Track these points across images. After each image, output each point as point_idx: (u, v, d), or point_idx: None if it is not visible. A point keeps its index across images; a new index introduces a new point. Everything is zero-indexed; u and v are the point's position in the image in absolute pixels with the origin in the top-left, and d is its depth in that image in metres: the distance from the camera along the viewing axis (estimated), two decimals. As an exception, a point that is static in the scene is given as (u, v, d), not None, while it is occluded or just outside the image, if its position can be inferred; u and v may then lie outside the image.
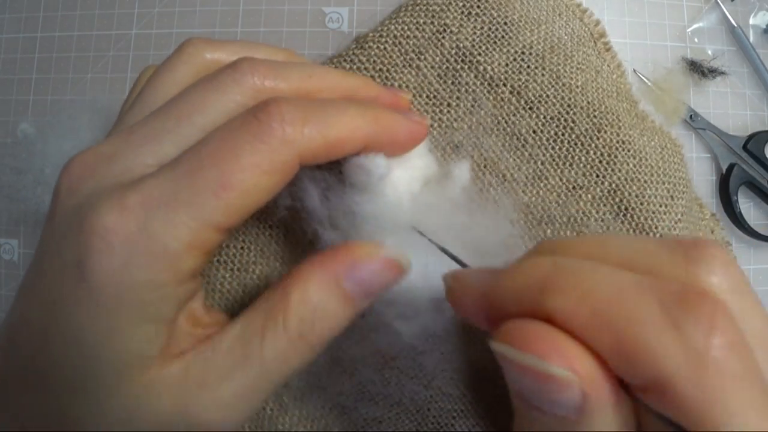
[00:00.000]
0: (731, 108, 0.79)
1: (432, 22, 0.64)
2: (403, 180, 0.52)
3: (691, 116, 0.77)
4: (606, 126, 0.62)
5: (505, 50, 0.64)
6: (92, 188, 0.44)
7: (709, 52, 0.79)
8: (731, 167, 0.76)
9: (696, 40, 0.79)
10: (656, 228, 0.61)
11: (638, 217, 0.61)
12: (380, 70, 0.63)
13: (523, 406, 0.37)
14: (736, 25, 0.79)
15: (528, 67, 0.63)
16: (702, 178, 0.78)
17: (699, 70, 0.78)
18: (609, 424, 0.34)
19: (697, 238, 0.43)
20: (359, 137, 0.48)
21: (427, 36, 0.64)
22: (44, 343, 0.43)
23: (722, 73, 0.78)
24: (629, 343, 0.32)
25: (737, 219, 0.75)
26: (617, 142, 0.62)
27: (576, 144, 0.62)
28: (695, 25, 0.79)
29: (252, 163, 0.42)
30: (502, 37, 0.64)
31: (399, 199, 0.52)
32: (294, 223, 0.60)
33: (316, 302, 0.46)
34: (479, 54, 0.63)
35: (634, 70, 0.77)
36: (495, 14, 0.64)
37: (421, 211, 0.53)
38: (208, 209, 0.42)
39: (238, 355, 0.45)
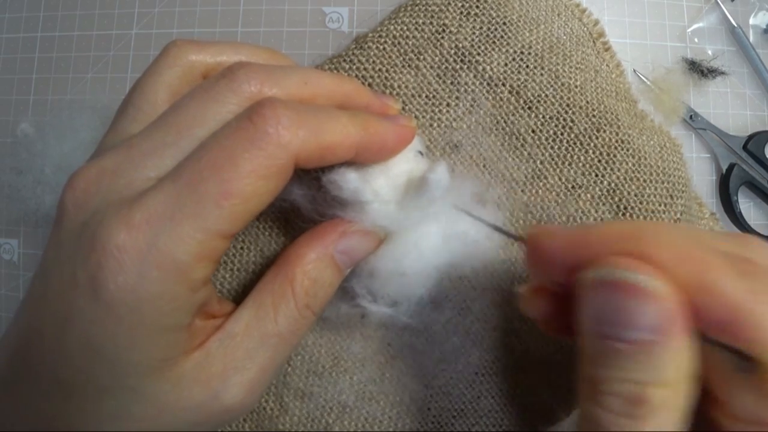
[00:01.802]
0: (731, 108, 0.79)
1: (431, 23, 0.64)
2: (386, 187, 0.52)
3: (691, 116, 0.77)
4: (605, 125, 0.62)
5: (504, 50, 0.64)
6: (98, 204, 0.44)
7: (709, 52, 0.79)
8: (731, 167, 0.76)
9: (696, 40, 0.79)
10: (655, 227, 0.61)
11: (637, 216, 0.61)
12: (379, 70, 0.63)
13: (595, 342, 0.40)
14: (736, 25, 0.79)
15: (527, 66, 0.63)
16: (702, 178, 0.78)
17: (699, 70, 0.78)
18: (682, 359, 0.38)
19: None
20: (350, 143, 0.48)
21: (426, 36, 0.64)
22: (62, 354, 0.44)
23: (722, 73, 0.78)
24: (705, 281, 0.37)
25: (737, 219, 0.75)
26: (616, 141, 0.62)
27: (575, 143, 0.62)
28: (695, 25, 0.79)
29: (250, 169, 0.43)
30: (501, 37, 0.64)
31: (384, 206, 0.52)
32: (293, 224, 0.60)
33: (316, 275, 0.52)
34: (478, 54, 0.63)
35: (634, 70, 0.77)
36: (494, 14, 0.64)
37: (406, 215, 0.53)
38: (212, 219, 0.43)
39: (255, 335, 0.49)
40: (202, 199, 0.42)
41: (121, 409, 0.45)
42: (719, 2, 0.79)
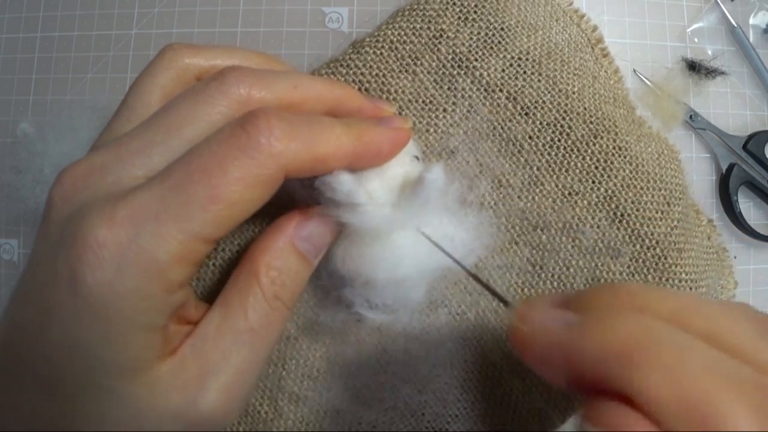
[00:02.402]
0: (731, 108, 0.79)
1: (428, 28, 0.64)
2: (380, 189, 0.52)
3: (691, 116, 0.77)
4: (602, 132, 0.62)
5: (501, 56, 0.64)
6: (84, 199, 0.45)
7: (709, 52, 0.79)
8: (731, 167, 0.76)
9: (696, 40, 0.79)
10: (652, 234, 0.61)
11: (633, 224, 0.62)
12: (376, 75, 0.63)
13: None
14: (736, 25, 0.79)
15: (524, 72, 0.63)
16: (702, 178, 0.78)
17: (699, 70, 0.78)
18: None
19: None
20: (344, 154, 0.49)
21: (423, 41, 0.64)
22: (42, 349, 0.44)
23: (722, 73, 0.78)
24: None
25: (737, 219, 0.75)
26: (613, 148, 0.62)
27: (572, 150, 0.62)
28: (695, 25, 0.79)
29: (239, 176, 0.43)
30: (499, 42, 0.64)
31: (378, 208, 0.52)
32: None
33: (281, 265, 0.51)
34: (476, 59, 0.63)
35: (634, 70, 0.77)
36: (492, 20, 0.64)
37: (402, 217, 0.53)
38: (196, 222, 0.43)
39: (228, 334, 0.49)
40: (188, 201, 0.43)
41: (101, 409, 0.46)
42: (719, 2, 0.79)
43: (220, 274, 0.61)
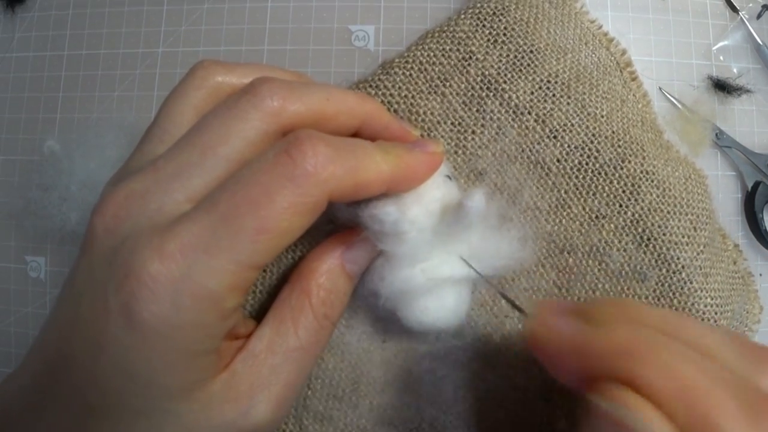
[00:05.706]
0: (757, 126, 0.78)
1: (458, 49, 0.64)
2: (421, 215, 0.53)
3: (716, 134, 0.76)
4: (630, 156, 0.62)
5: (530, 78, 0.64)
6: (129, 229, 0.44)
7: (735, 70, 0.79)
8: (757, 185, 0.76)
9: (721, 58, 0.79)
10: (678, 259, 0.61)
11: (660, 248, 0.61)
12: (405, 96, 0.63)
13: None
14: (761, 43, 0.78)
15: (553, 95, 0.63)
16: (727, 196, 0.77)
17: (724, 88, 0.77)
18: None
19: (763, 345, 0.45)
20: (383, 180, 0.49)
21: (452, 63, 0.64)
22: (96, 379, 0.44)
23: (748, 91, 0.78)
24: (707, 426, 0.36)
25: (762, 237, 0.75)
26: (641, 172, 0.62)
27: (600, 173, 0.62)
28: (721, 43, 0.79)
29: (286, 206, 0.43)
30: (528, 65, 0.64)
31: (420, 233, 0.53)
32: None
33: (330, 285, 0.54)
34: (504, 82, 0.63)
35: (660, 89, 0.77)
36: (521, 42, 0.64)
37: (444, 240, 0.54)
38: (246, 252, 0.43)
39: (279, 351, 0.50)
40: (237, 233, 0.43)
41: (154, 429, 0.46)
42: (744, 20, 0.79)
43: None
